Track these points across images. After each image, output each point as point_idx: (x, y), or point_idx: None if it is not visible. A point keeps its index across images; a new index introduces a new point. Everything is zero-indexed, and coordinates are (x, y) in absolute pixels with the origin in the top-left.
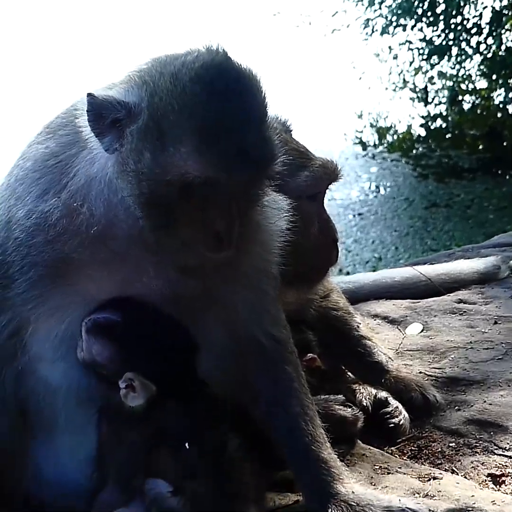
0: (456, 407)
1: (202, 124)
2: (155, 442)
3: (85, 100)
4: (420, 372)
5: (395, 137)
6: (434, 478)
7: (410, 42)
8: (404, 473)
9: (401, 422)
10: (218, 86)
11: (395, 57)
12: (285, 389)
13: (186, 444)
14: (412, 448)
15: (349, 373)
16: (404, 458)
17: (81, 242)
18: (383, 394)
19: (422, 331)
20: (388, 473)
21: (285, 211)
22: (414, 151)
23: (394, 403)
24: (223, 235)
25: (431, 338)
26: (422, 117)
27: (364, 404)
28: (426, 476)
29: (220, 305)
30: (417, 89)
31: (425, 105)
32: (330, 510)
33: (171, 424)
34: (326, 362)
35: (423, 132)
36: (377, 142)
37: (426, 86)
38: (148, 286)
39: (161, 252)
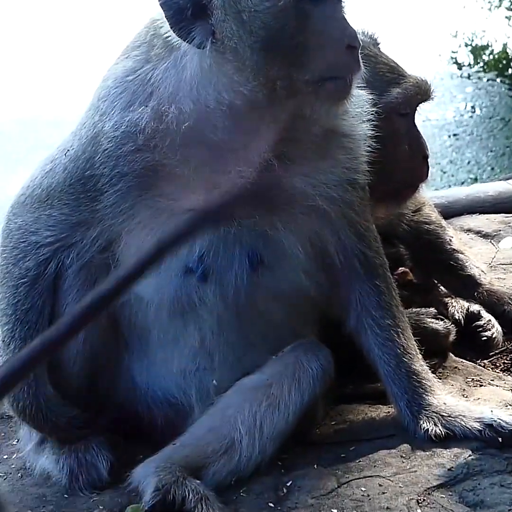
0: None
1: None
2: None
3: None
4: None
5: (491, 56)
6: None
7: None
8: (497, 386)
9: (493, 335)
10: None
11: None
12: (376, 301)
13: None
14: (505, 361)
15: (441, 287)
16: (497, 370)
17: (172, 143)
18: (475, 307)
19: None
20: (481, 386)
21: (368, 115)
22: (510, 71)
23: (486, 316)
24: (353, 44)
25: None
26: None
27: (456, 317)
28: None
29: (303, 212)
30: None
31: None
32: (421, 421)
33: None
34: (418, 275)
35: None
36: (472, 62)
37: None
38: (239, 180)
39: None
